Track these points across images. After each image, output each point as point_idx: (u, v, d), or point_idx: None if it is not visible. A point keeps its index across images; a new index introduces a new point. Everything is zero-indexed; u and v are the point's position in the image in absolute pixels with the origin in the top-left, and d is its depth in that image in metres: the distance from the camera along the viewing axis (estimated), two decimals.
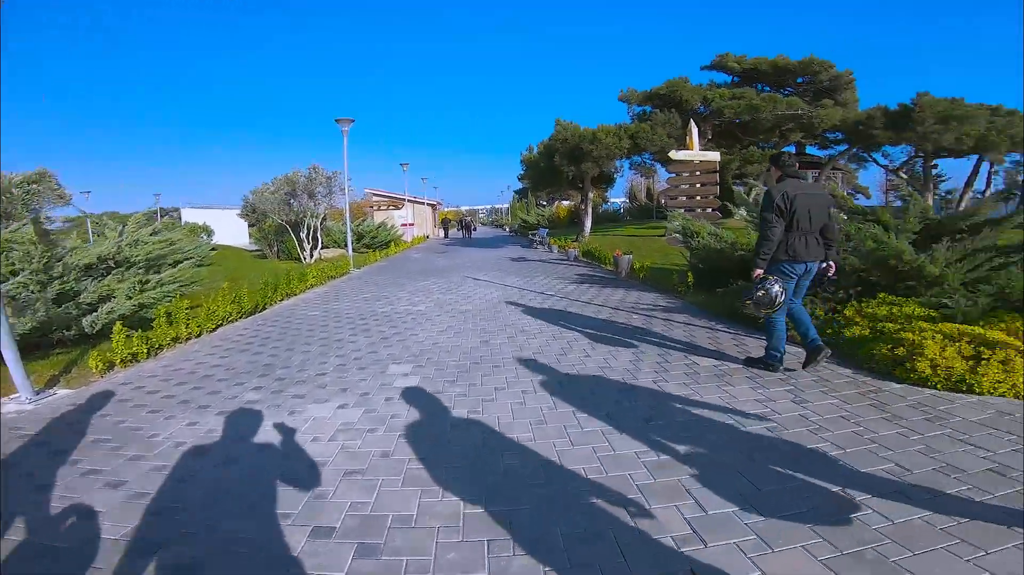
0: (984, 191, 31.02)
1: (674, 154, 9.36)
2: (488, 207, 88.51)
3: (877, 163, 27.28)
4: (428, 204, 38.91)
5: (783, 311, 4.15)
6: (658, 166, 29.55)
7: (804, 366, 4.22)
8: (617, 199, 51.14)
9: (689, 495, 2.43)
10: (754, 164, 20.77)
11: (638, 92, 21.76)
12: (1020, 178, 34.17)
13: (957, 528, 2.08)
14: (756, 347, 4.93)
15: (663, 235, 10.64)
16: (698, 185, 9.48)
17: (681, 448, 2.90)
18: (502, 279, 10.82)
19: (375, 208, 32.47)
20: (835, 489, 2.41)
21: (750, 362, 4.42)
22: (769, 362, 4.26)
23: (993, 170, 30.28)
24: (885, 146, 22.88)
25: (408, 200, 33.29)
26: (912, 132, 17.07)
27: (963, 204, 30.95)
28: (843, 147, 22.24)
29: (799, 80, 20.22)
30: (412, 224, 32.80)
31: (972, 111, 16.96)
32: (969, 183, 29.28)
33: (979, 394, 3.50)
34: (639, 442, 3.02)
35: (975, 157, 26.18)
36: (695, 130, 9.51)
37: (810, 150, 25.55)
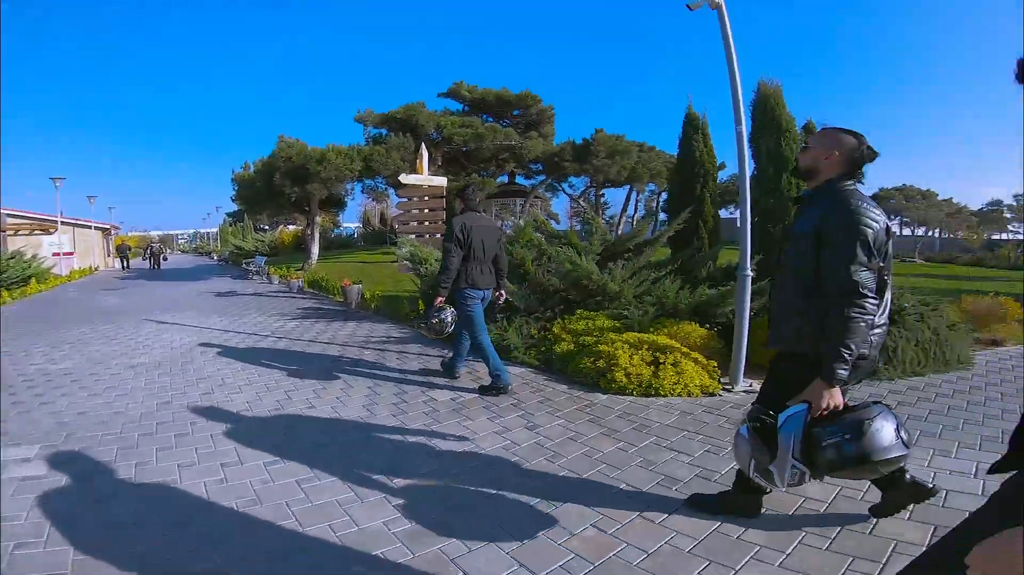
0: (633, 215, 41.27)
1: (404, 178, 9.23)
2: (191, 232, 74.90)
3: (564, 192, 33.24)
4: (97, 228, 30.53)
5: (483, 332, 4.41)
6: (392, 191, 29.76)
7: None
8: (351, 224, 49.59)
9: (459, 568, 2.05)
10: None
11: (376, 114, 21.38)
12: (655, 203, 46.82)
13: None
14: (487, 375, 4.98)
15: (396, 261, 10.39)
16: (427, 210, 9.55)
17: (433, 514, 2.52)
18: (201, 320, 8.82)
19: (12, 233, 23.83)
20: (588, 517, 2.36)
21: (483, 390, 4.41)
22: (498, 385, 4.31)
23: (639, 198, 40.53)
24: (571, 176, 27.99)
25: (65, 222, 25.44)
26: (590, 164, 21.20)
27: (620, 227, 40.47)
28: (542, 178, 26.25)
29: (515, 112, 23.01)
30: (71, 253, 25.17)
31: (628, 147, 21.99)
32: (624, 209, 38.28)
33: (664, 396, 4.13)
34: (386, 509, 2.58)
35: (627, 187, 34.41)
36: (425, 154, 9.59)
37: (519, 180, 29.41)
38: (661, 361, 4.32)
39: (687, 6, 5.13)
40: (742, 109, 4.56)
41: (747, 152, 4.58)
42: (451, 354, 4.91)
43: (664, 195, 42.04)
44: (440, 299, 4.34)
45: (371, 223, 40.39)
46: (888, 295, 2.04)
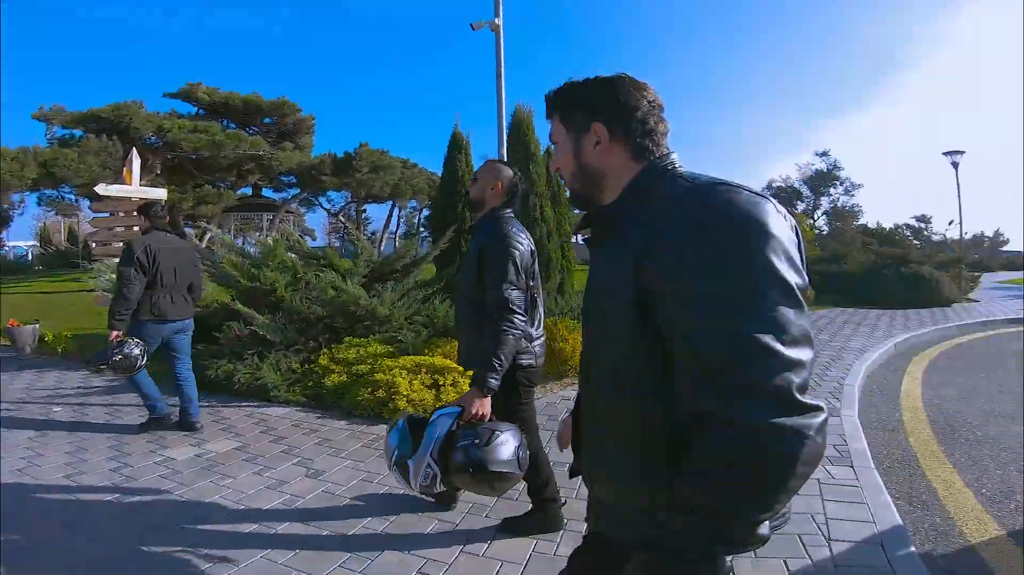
0: (396, 232, 41.24)
1: (103, 188, 7.17)
2: None
3: (322, 207, 31.30)
4: None
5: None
6: (84, 202, 23.38)
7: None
8: (23, 243, 37.53)
9: None
10: (209, 204, 19.37)
11: (67, 111, 16.51)
12: (416, 220, 47.60)
13: None
14: (243, 420, 4.13)
15: (93, 291, 8.03)
16: (136, 228, 7.62)
17: None
18: None
19: None
20: None
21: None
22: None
23: (401, 214, 40.66)
24: (330, 191, 26.33)
25: None
26: (352, 179, 20.24)
27: (383, 244, 40.09)
28: (296, 191, 24.03)
29: (266, 120, 20.31)
30: None
31: (392, 162, 21.71)
32: (386, 225, 37.98)
33: None
34: None
35: (390, 203, 34.20)
36: (137, 161, 7.62)
37: (267, 192, 26.36)
38: (441, 383, 4.23)
39: (470, 25, 5.24)
40: (504, 131, 4.83)
41: None
42: (172, 405, 4.05)
43: (425, 212, 43.47)
44: (116, 334, 3.67)
45: (52, 242, 31.13)
46: (540, 310, 2.33)
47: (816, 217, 35.03)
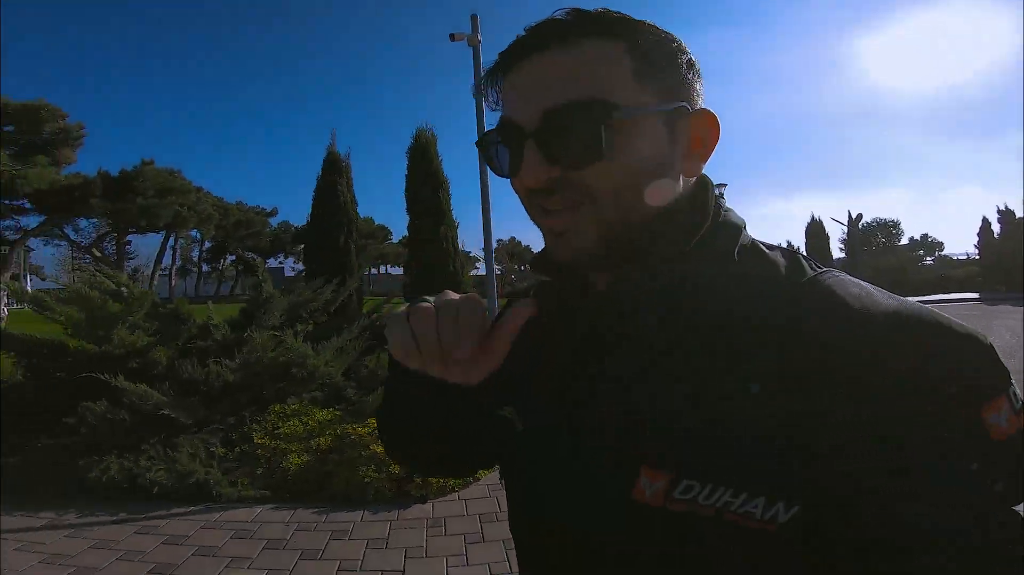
0: (171, 267, 34.23)
1: None
2: None
3: (69, 239, 24.28)
4: None
5: None
6: None
7: None
8: None
9: None
10: None
11: None
12: (193, 254, 40.22)
13: None
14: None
15: None
16: None
17: None
18: None
19: None
20: None
21: None
22: None
23: (176, 245, 33.91)
24: (86, 218, 20.47)
25: None
26: (132, 204, 15.96)
27: (155, 280, 32.92)
28: (37, 218, 17.74)
29: (8, 128, 14.40)
30: None
31: (186, 186, 17.88)
32: (159, 259, 31.41)
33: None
34: None
35: (162, 233, 28.27)
36: None
37: None
38: None
39: (450, 36, 4.74)
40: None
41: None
42: None
43: (208, 243, 37.29)
44: None
45: None
46: None
47: None
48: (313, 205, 7.93)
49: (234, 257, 37.16)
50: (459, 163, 29.35)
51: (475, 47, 4.79)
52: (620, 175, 0.45)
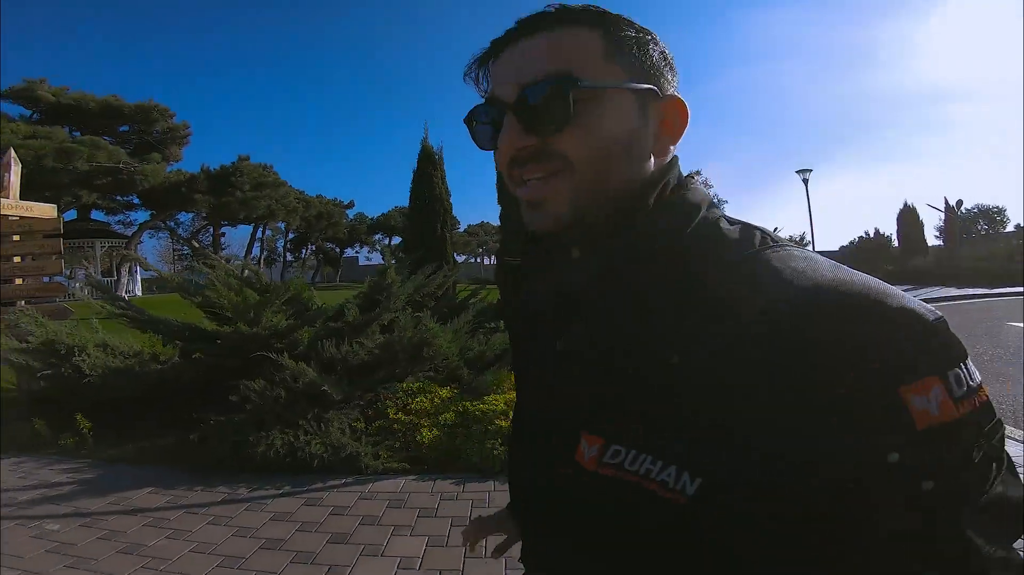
0: (260, 257, 36.74)
1: None
2: None
3: (172, 231, 26.62)
4: None
5: None
6: None
7: None
8: None
9: None
10: None
11: None
12: (278, 244, 43.02)
13: None
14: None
15: None
16: (19, 258, 5.54)
17: None
18: None
19: None
20: None
21: None
22: None
23: (263, 237, 36.34)
24: (185, 212, 22.33)
25: None
26: (232, 198, 17.28)
27: (244, 271, 35.34)
28: (143, 212, 19.69)
29: (123, 128, 16.17)
30: None
31: (278, 180, 19.08)
32: (248, 250, 33.78)
33: None
34: None
35: (251, 226, 30.33)
36: (16, 166, 5.50)
37: (97, 216, 21.47)
38: None
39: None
40: None
41: None
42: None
43: (292, 235, 39.67)
44: None
45: None
46: None
47: None
48: (411, 196, 8.21)
49: (314, 247, 39.27)
50: None
51: None
52: (592, 142, 0.48)
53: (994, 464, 0.40)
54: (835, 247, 36.91)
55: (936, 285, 17.03)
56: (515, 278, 0.59)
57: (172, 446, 4.09)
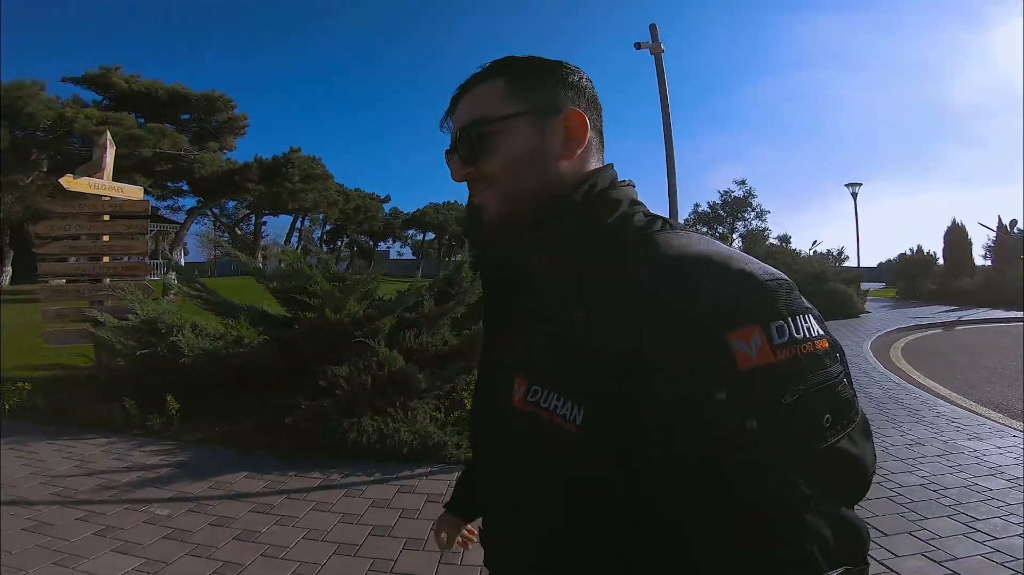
0: (297, 246, 37.52)
1: (71, 180, 5.26)
2: None
3: (218, 219, 27.40)
4: None
5: None
6: None
7: None
8: None
9: None
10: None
11: None
12: (316, 235, 43.80)
13: None
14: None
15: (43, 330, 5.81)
16: (109, 237, 5.75)
17: None
18: None
19: None
20: None
21: None
22: None
23: (301, 227, 37.11)
24: (231, 202, 22.93)
25: None
26: (282, 188, 17.70)
27: (280, 261, 36.18)
28: (191, 199, 20.25)
29: (184, 116, 16.76)
30: None
31: (325, 173, 19.44)
32: (287, 240, 34.55)
33: None
34: None
35: (291, 216, 31.00)
36: (111, 148, 5.73)
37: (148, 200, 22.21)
38: None
39: (635, 45, 4.99)
40: (674, 155, 4.45)
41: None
42: None
43: (328, 226, 40.41)
44: None
45: None
46: None
47: (733, 238, 38.46)
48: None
49: (349, 239, 39.92)
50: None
51: (657, 55, 4.85)
52: (503, 163, 0.63)
53: (828, 416, 0.45)
54: (874, 263, 35.73)
55: (981, 306, 16.24)
56: (476, 264, 0.75)
57: (253, 429, 4.17)
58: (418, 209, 41.68)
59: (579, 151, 0.64)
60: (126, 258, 6.24)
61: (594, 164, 0.67)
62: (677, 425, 0.46)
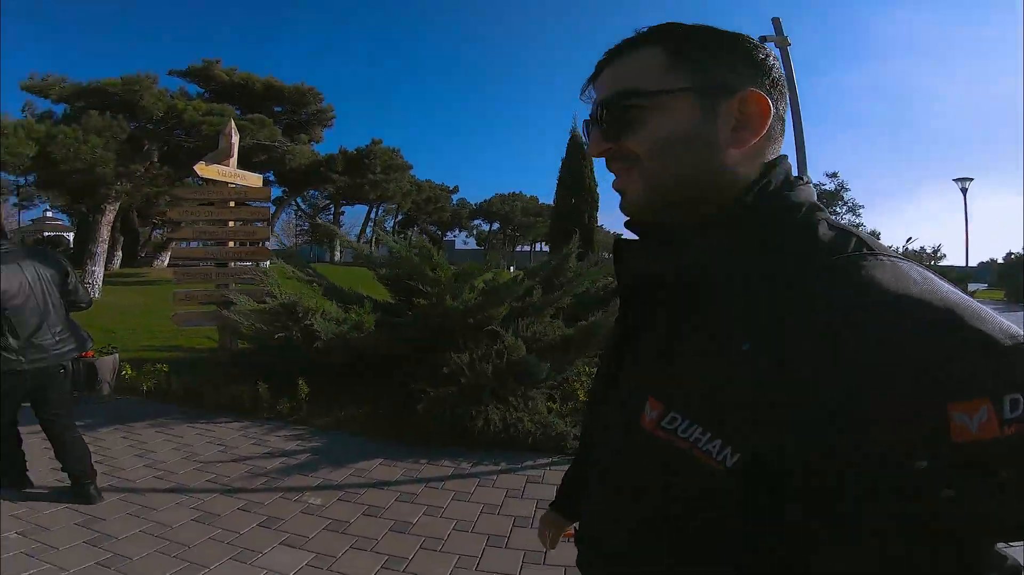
0: (372, 237, 39.08)
1: (204, 167, 5.68)
2: None
3: (300, 207, 28.95)
4: None
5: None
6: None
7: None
8: None
9: None
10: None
11: (69, 82, 13.77)
12: (388, 224, 45.53)
13: None
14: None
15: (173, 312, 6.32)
16: (233, 223, 6.16)
17: None
18: None
19: None
20: None
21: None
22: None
23: (376, 217, 38.58)
24: (314, 191, 24.11)
25: None
26: (365, 179, 18.46)
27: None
28: (278, 190, 21.45)
29: (277, 108, 17.93)
30: None
31: (404, 164, 20.11)
32: (363, 229, 35.98)
33: None
34: None
35: (367, 206, 32.20)
36: (236, 136, 6.13)
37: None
38: None
39: (761, 38, 4.93)
40: (805, 146, 4.20)
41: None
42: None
43: (400, 216, 41.75)
44: None
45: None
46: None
47: None
48: (559, 187, 8.22)
49: (419, 229, 41.07)
50: None
51: (783, 48, 4.68)
52: (651, 142, 0.56)
53: None
54: (974, 263, 32.61)
55: None
56: (616, 255, 0.66)
57: (375, 415, 4.28)
58: (485, 200, 42.15)
59: (754, 140, 0.56)
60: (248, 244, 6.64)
61: (770, 156, 0.58)
62: (862, 486, 0.41)
